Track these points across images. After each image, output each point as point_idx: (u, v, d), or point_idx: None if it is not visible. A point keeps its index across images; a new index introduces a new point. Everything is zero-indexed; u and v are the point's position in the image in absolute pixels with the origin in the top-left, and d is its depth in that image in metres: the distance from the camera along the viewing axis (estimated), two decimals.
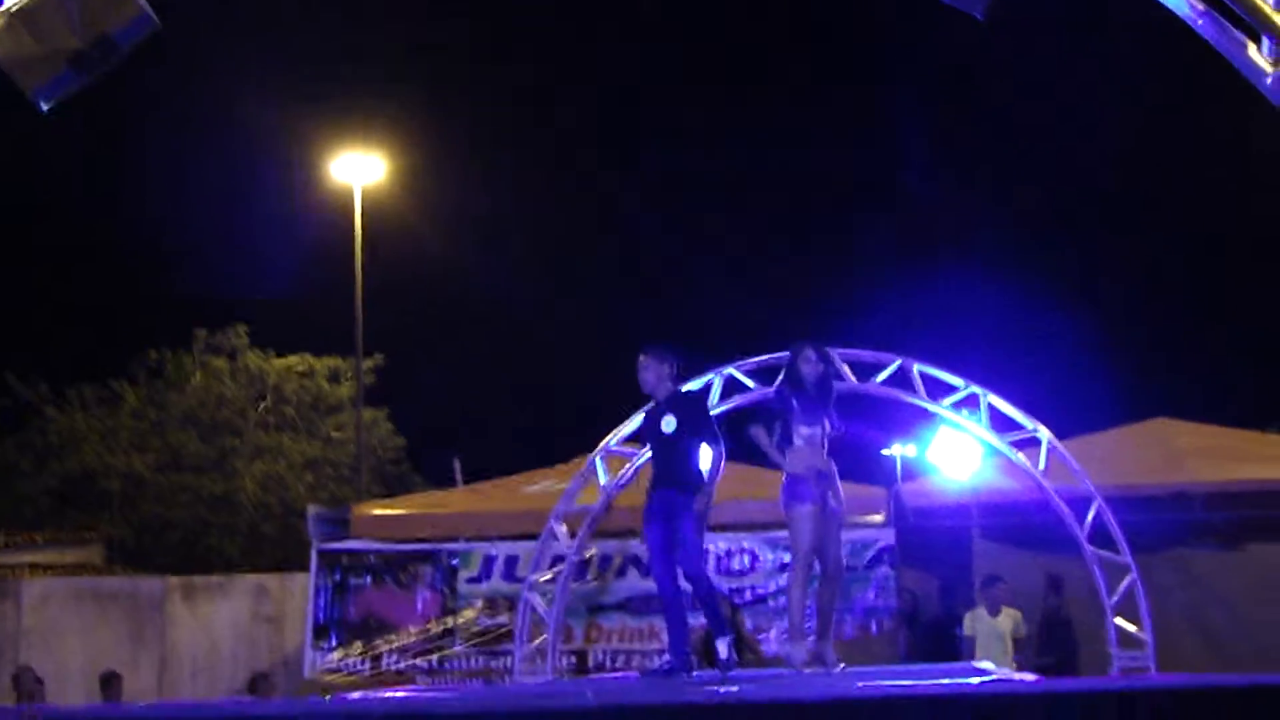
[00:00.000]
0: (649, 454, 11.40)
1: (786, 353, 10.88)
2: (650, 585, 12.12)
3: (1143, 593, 14.40)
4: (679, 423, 10.38)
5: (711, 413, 11.12)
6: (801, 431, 10.33)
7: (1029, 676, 9.55)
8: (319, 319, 35.39)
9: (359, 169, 28.44)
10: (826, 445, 10.41)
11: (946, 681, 7.89)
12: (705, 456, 10.54)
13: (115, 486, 31.76)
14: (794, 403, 10.42)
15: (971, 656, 14.27)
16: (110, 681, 16.26)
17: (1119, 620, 14.47)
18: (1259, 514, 16.05)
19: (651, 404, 10.66)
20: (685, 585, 10.39)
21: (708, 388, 14.85)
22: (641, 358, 10.53)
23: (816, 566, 10.44)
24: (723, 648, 10.11)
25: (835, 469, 10.47)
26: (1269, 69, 8.46)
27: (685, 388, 11.80)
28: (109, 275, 38.06)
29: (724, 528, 16.79)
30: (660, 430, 10.44)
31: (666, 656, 10.42)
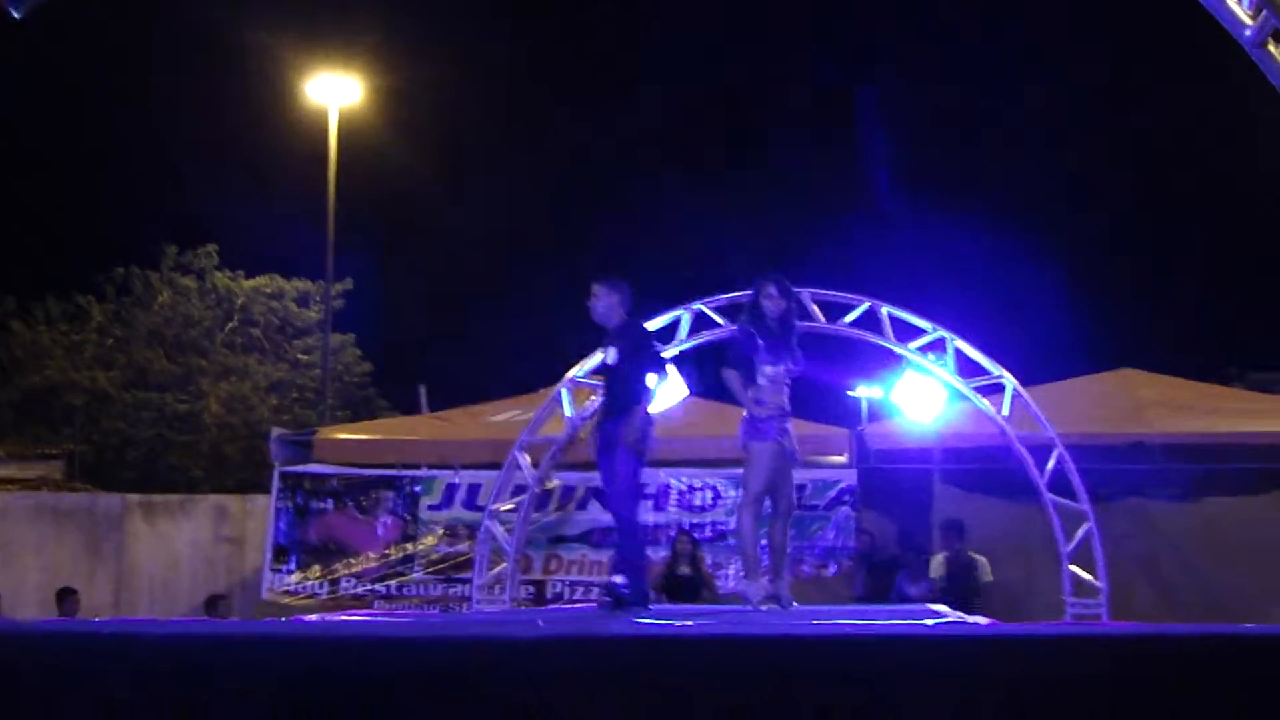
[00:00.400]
0: None
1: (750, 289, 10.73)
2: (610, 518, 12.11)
3: (1099, 541, 14.50)
4: (620, 353, 10.25)
5: (657, 343, 10.77)
6: (765, 370, 10.16)
7: (983, 620, 9.61)
8: (290, 241, 35.24)
9: (335, 90, 28.22)
10: (788, 384, 10.31)
11: (900, 622, 7.94)
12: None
13: (78, 402, 31.68)
14: (756, 339, 10.25)
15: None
16: (65, 597, 16.27)
17: (1074, 568, 14.58)
18: (1216, 467, 16.15)
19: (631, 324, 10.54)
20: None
21: (676, 323, 14.86)
22: (594, 287, 10.37)
23: (768, 506, 10.36)
24: (618, 579, 10.23)
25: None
26: (1249, 21, 8.46)
27: (649, 324, 11.68)
28: (78, 190, 37.85)
29: (687, 463, 16.86)
30: (604, 360, 10.40)
31: (620, 579, 10.28)
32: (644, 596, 10.25)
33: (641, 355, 10.35)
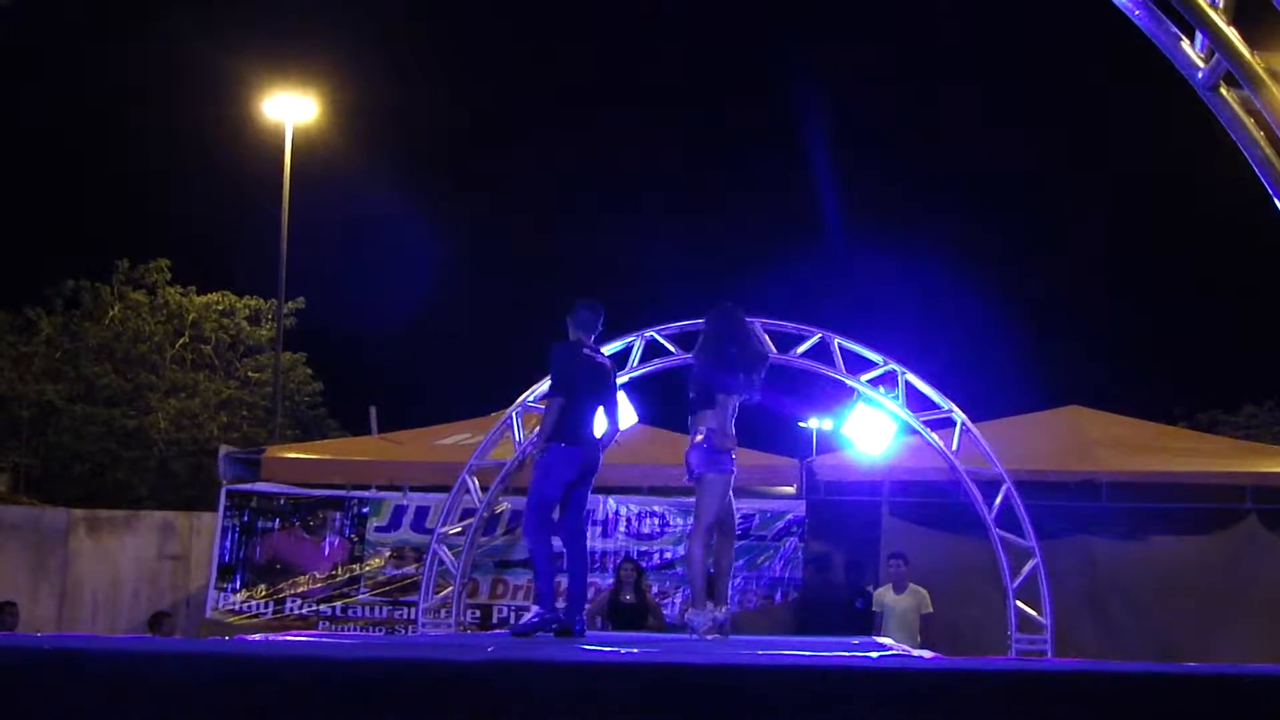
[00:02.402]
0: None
1: (704, 319, 10.82)
2: (558, 544, 12.09)
3: (1045, 577, 14.55)
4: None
5: (561, 364, 10.41)
6: (728, 399, 10.22)
7: (928, 654, 9.63)
8: (243, 258, 35.15)
9: (291, 108, 28.19)
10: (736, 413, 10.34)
11: (844, 654, 7.93)
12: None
13: (25, 415, 31.41)
14: (719, 368, 10.32)
15: (878, 632, 14.42)
16: (4, 610, 16.11)
17: (1020, 603, 14.63)
18: (1162, 505, 16.27)
19: (580, 350, 10.48)
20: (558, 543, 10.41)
21: (629, 350, 14.87)
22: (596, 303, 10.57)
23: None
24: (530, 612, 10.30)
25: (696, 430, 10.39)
26: (1201, 64, 8.53)
27: (609, 351, 11.79)
28: (29, 201, 37.64)
29: (635, 490, 16.86)
30: (596, 386, 10.45)
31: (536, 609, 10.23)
32: (560, 625, 10.13)
33: (551, 382, 10.50)
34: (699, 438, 10.24)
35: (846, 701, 5.56)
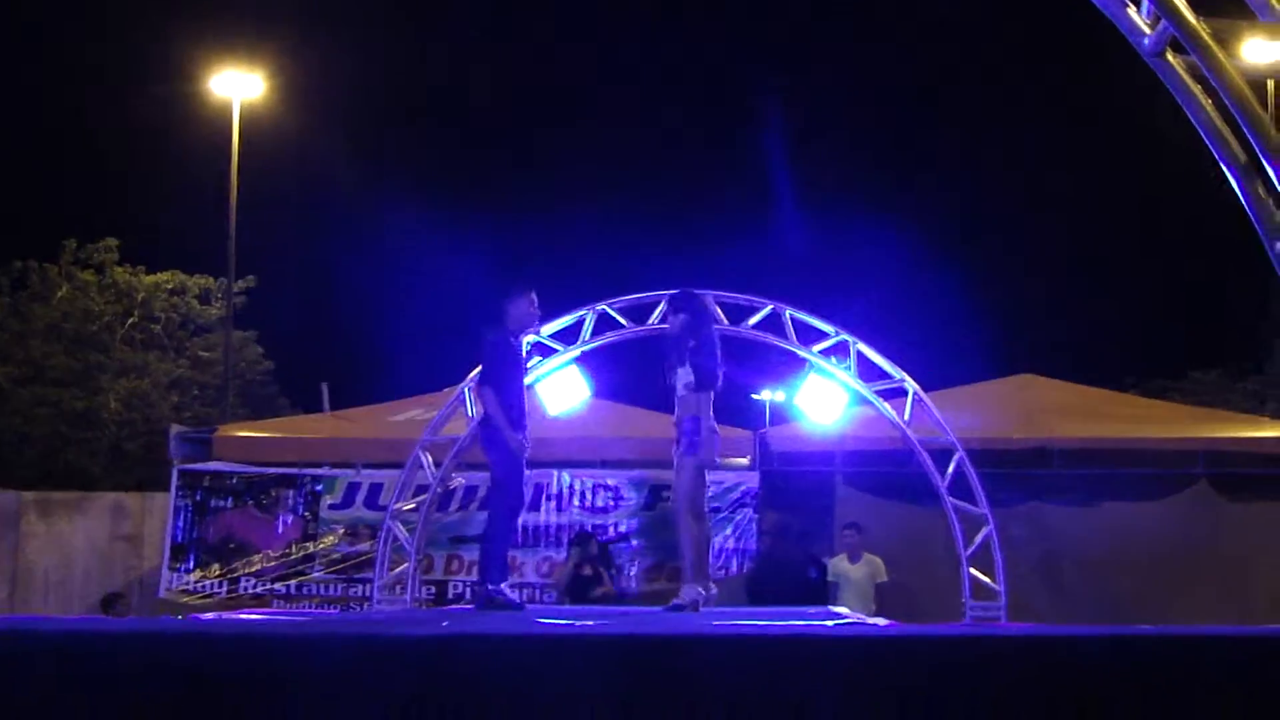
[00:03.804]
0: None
1: (669, 292, 11.03)
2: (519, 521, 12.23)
3: (998, 545, 14.62)
4: None
5: (491, 350, 10.84)
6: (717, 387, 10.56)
7: (883, 621, 9.68)
8: (192, 237, 34.91)
9: (238, 85, 28.02)
10: (680, 392, 10.56)
11: (800, 623, 7.96)
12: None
13: None
14: (712, 356, 10.59)
15: (834, 601, 14.46)
16: None
17: (973, 571, 14.69)
18: (1114, 471, 16.36)
19: (509, 336, 10.79)
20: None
21: (580, 323, 14.84)
22: (534, 295, 10.78)
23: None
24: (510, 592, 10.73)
25: (688, 414, 10.56)
26: (1147, 30, 8.55)
27: (552, 325, 12.06)
28: None
29: (589, 464, 16.86)
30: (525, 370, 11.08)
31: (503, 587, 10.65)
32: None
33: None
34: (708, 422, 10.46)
35: (804, 670, 5.58)
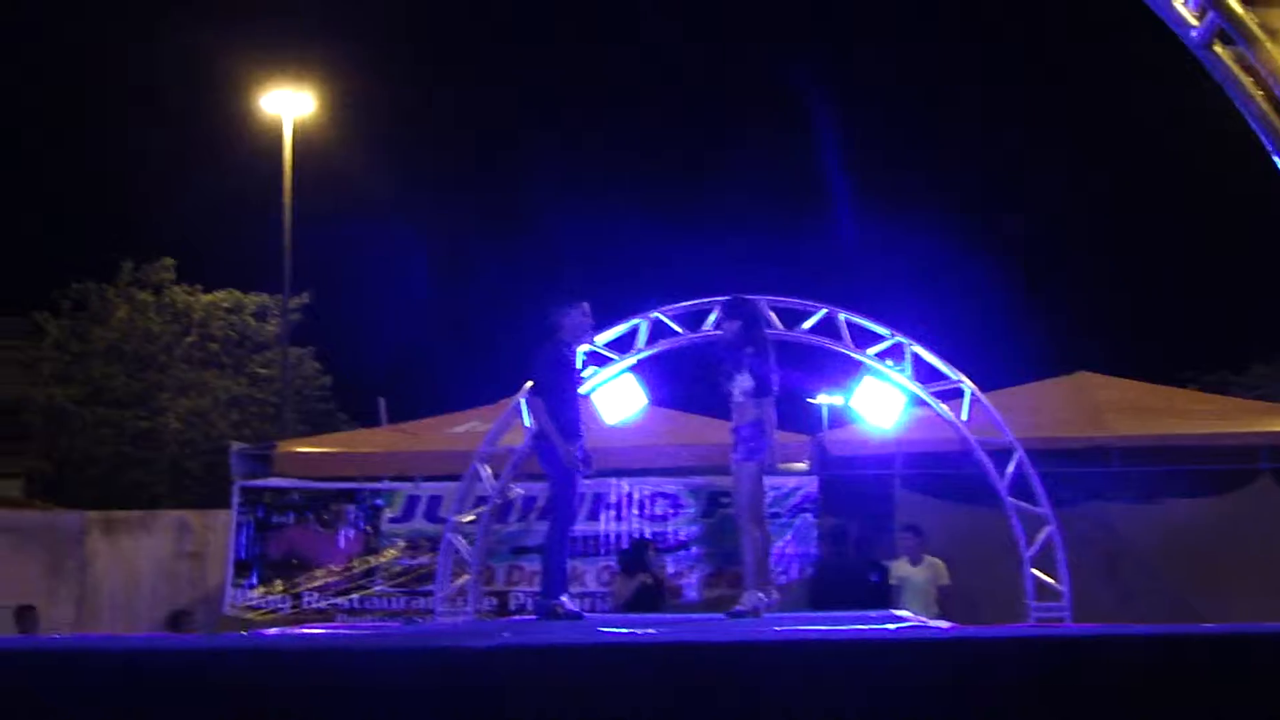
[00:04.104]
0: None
1: (723, 299, 11.08)
2: (574, 530, 12.33)
3: (1060, 544, 14.54)
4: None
5: (546, 366, 11.00)
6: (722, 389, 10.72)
7: (945, 624, 9.65)
8: (247, 255, 35.14)
9: (289, 103, 28.22)
10: (739, 399, 10.64)
11: (862, 628, 7.95)
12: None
13: (36, 420, 31.45)
14: (767, 361, 10.70)
15: (897, 605, 14.42)
16: (25, 615, 16.15)
17: (1036, 571, 14.62)
18: (1174, 468, 16.26)
19: (561, 348, 10.81)
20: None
21: (634, 331, 14.85)
22: (586, 305, 10.80)
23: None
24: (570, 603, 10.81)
25: (744, 421, 10.66)
26: (1194, 21, 8.50)
27: (606, 333, 12.12)
28: (32, 204, 37.65)
29: (646, 472, 16.86)
30: (581, 381, 11.15)
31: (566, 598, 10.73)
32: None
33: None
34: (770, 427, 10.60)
35: (866, 675, 5.58)
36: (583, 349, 13.26)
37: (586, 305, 10.77)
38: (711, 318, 14.36)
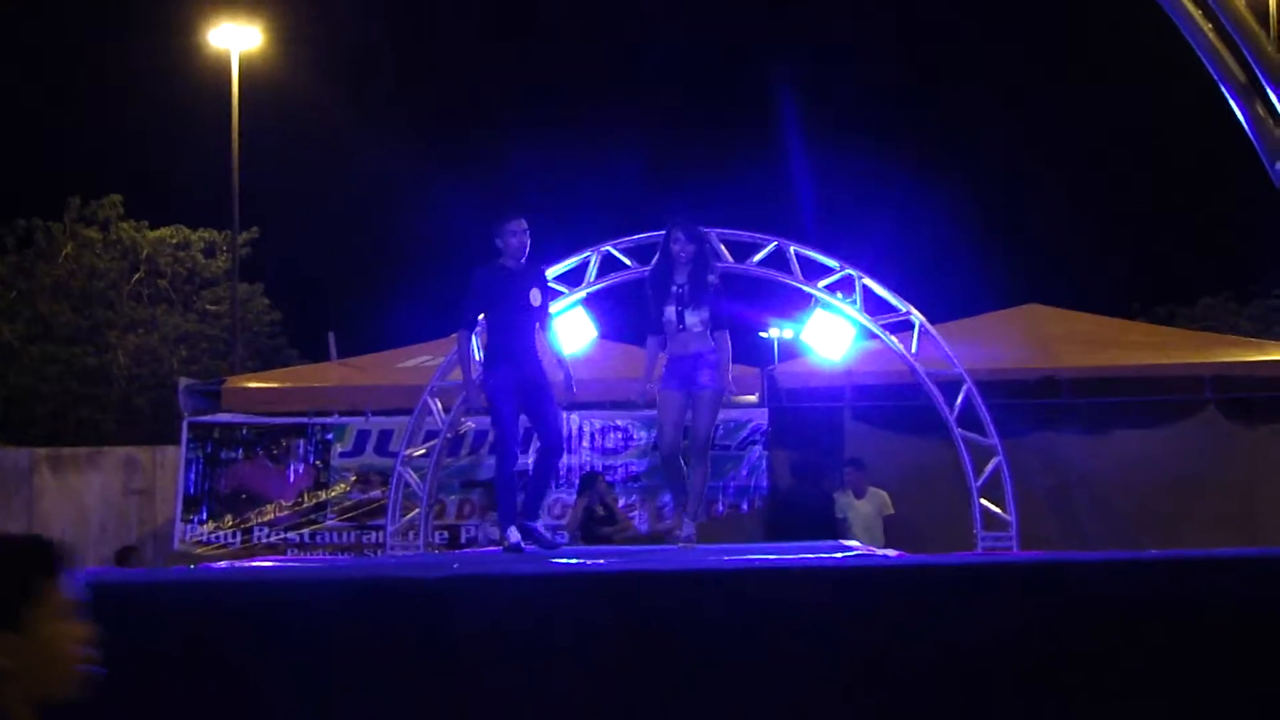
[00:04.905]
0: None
1: (680, 218, 10.80)
2: (526, 462, 12.22)
3: (1008, 475, 14.62)
4: (543, 297, 10.50)
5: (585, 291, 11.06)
6: (661, 317, 10.46)
7: (892, 553, 9.70)
8: (195, 190, 34.88)
9: (236, 37, 27.96)
10: (695, 328, 10.38)
11: (809, 556, 7.99)
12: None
13: None
14: (649, 288, 10.60)
15: (841, 536, 14.50)
16: None
17: (984, 502, 14.71)
18: (1122, 399, 16.36)
19: (495, 269, 10.40)
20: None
21: (584, 265, 14.81)
22: (524, 221, 10.38)
23: None
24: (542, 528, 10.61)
25: (707, 348, 10.41)
26: None
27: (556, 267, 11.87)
28: None
29: (598, 405, 16.87)
30: (527, 300, 10.32)
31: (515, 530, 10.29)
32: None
33: (548, 298, 10.70)
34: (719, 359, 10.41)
35: (817, 601, 5.61)
36: (553, 271, 13.30)
37: (521, 221, 10.34)
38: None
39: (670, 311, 10.37)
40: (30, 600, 2.69)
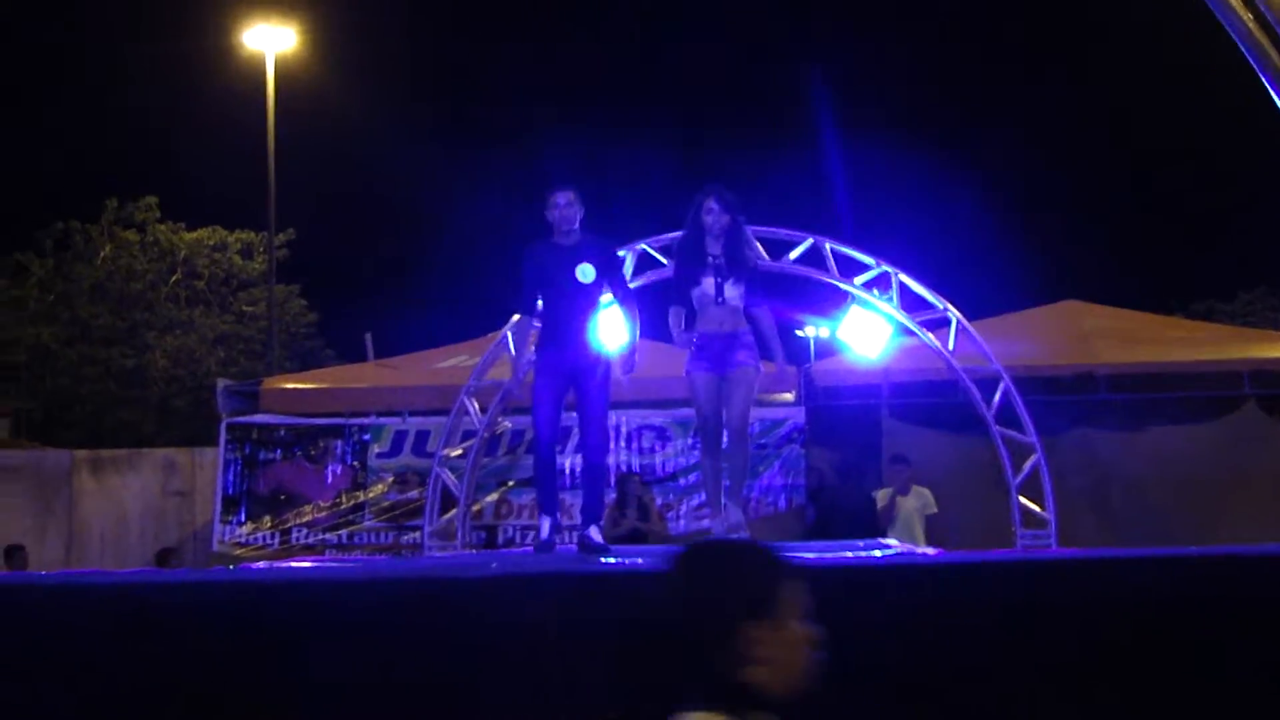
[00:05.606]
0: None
1: (713, 184, 9.92)
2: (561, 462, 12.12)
3: (1046, 472, 14.56)
4: (599, 273, 9.57)
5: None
6: (693, 292, 9.72)
7: (931, 551, 9.67)
8: (231, 192, 35.01)
9: (271, 38, 28.02)
10: (734, 303, 9.66)
11: (849, 555, 7.97)
12: (618, 316, 9.99)
13: (22, 359, 31.42)
14: (679, 260, 9.91)
15: (884, 534, 14.45)
16: (13, 554, 16.17)
17: (1022, 499, 14.65)
18: (1160, 396, 16.28)
19: (546, 246, 9.67)
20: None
21: (621, 262, 14.77)
22: (570, 193, 9.55)
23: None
24: (595, 534, 9.55)
25: (742, 327, 9.71)
26: None
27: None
28: (15, 144, 37.46)
29: (633, 404, 16.83)
30: (574, 278, 9.50)
31: (549, 521, 9.60)
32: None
33: (618, 283, 9.97)
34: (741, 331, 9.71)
35: (859, 598, 5.59)
36: (623, 249, 12.51)
37: (567, 192, 9.54)
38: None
39: (709, 283, 9.64)
40: (783, 598, 2.98)
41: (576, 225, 9.59)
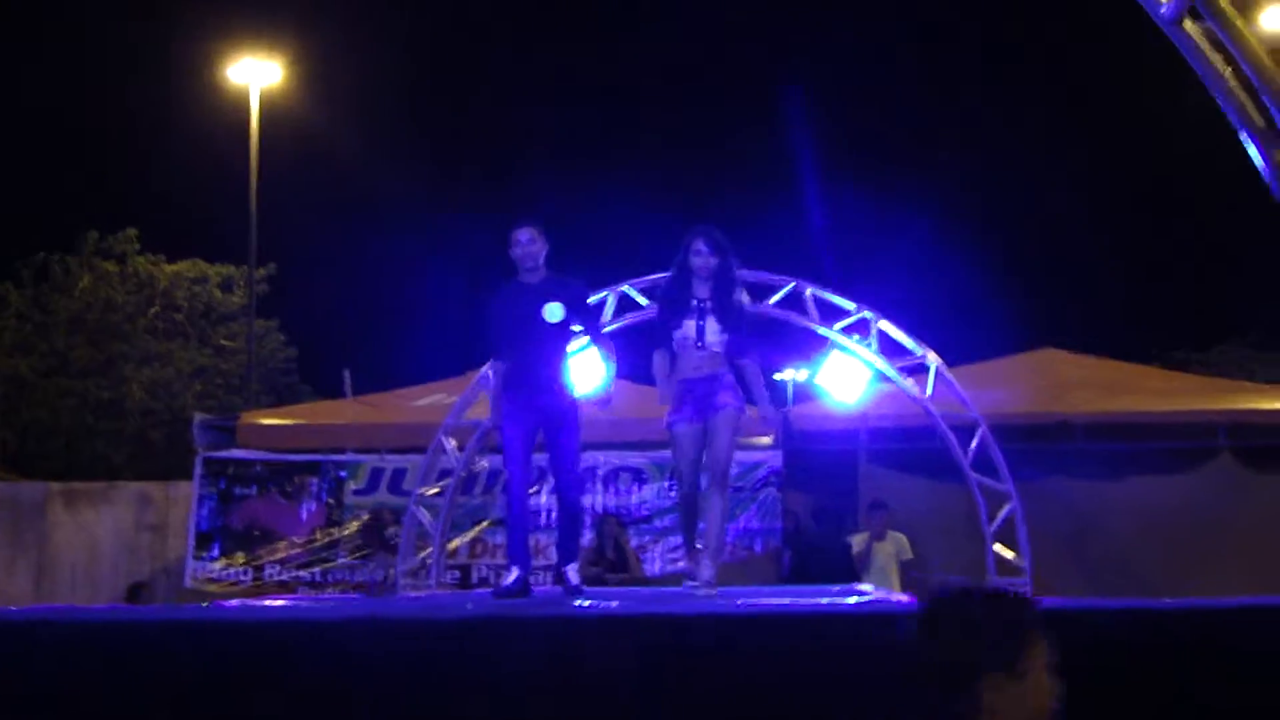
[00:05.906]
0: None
1: (703, 226, 9.51)
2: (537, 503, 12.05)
3: (1022, 520, 14.57)
4: (568, 311, 9.33)
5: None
6: (675, 335, 9.33)
7: (904, 598, 9.63)
8: (212, 225, 34.99)
9: (256, 72, 28.02)
10: (714, 348, 9.32)
11: (824, 601, 7.95)
12: (594, 359, 9.88)
13: None
14: (662, 304, 9.64)
15: (859, 579, 14.42)
16: None
17: (998, 546, 14.66)
18: (1136, 445, 16.30)
19: (510, 287, 9.47)
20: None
21: (601, 304, 14.78)
22: (530, 230, 9.34)
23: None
24: (573, 574, 9.41)
25: (723, 369, 9.36)
26: None
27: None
28: None
29: (611, 445, 16.81)
30: (540, 317, 9.24)
31: (517, 571, 9.26)
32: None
33: (590, 323, 9.85)
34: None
35: (831, 646, 5.58)
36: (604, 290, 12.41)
37: (527, 229, 9.34)
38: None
39: (689, 326, 9.27)
40: (1028, 649, 3.00)
41: (541, 262, 9.39)
